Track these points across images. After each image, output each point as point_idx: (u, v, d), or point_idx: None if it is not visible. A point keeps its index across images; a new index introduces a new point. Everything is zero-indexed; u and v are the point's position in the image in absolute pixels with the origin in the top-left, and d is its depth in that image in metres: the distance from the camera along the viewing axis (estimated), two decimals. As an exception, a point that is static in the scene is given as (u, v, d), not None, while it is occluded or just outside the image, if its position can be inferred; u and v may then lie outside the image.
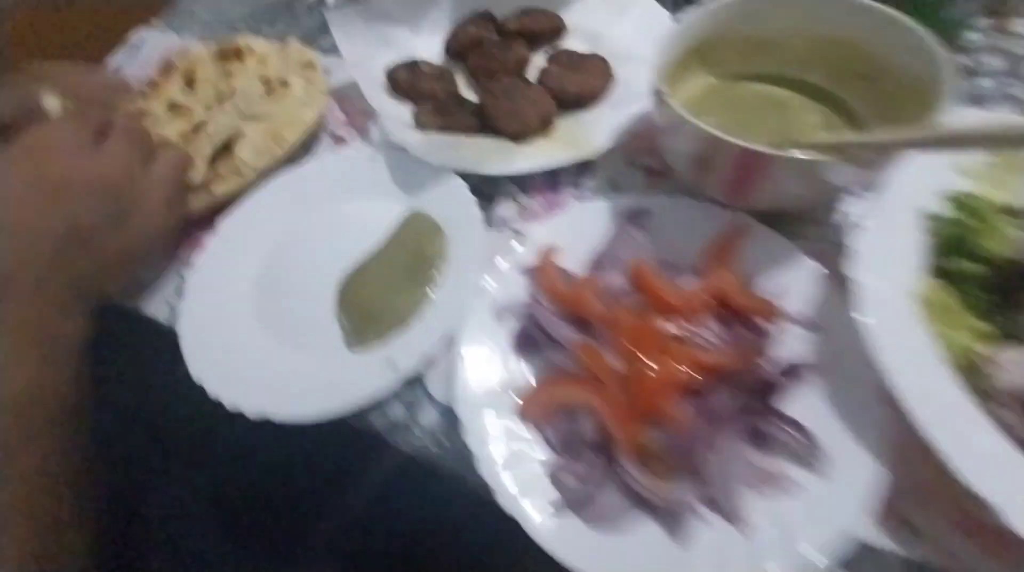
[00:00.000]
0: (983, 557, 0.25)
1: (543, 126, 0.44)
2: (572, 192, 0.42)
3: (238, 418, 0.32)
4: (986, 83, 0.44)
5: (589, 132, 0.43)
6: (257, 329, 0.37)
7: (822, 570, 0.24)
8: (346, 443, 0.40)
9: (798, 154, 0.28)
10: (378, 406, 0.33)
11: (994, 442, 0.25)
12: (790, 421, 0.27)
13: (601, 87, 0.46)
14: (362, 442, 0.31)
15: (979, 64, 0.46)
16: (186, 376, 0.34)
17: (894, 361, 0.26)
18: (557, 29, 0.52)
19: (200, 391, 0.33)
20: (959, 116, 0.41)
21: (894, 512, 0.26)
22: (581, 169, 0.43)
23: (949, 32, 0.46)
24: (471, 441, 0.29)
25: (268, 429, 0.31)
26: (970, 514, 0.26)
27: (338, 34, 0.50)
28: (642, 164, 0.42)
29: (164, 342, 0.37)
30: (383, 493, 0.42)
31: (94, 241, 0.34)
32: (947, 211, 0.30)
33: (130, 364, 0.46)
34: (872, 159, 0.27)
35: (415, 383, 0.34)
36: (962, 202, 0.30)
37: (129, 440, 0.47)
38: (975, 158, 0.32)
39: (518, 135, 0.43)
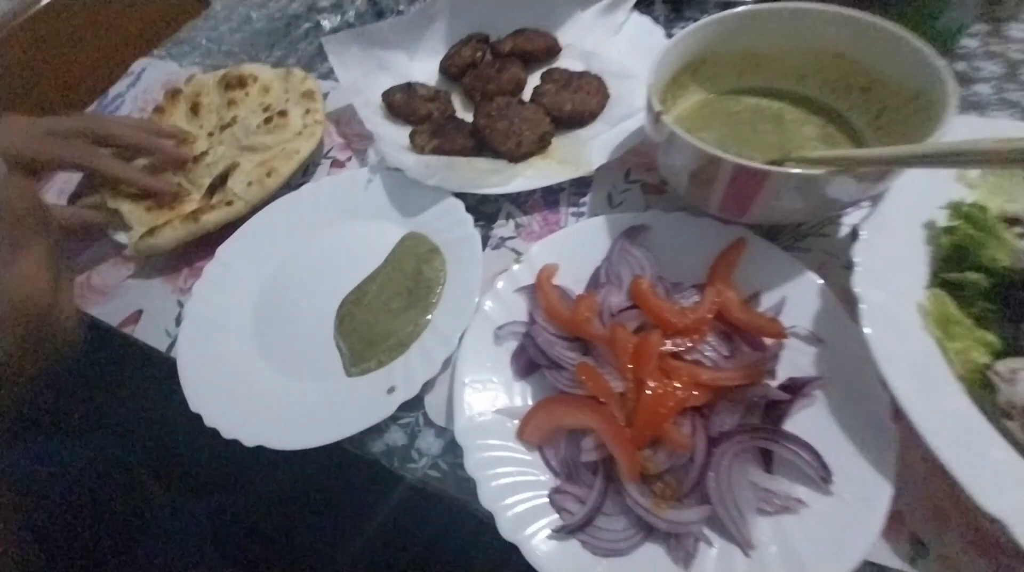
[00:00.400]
0: (1000, 578, 0.25)
1: (540, 145, 0.44)
2: (570, 210, 0.42)
3: (236, 447, 0.32)
4: (984, 89, 0.44)
5: (585, 150, 0.43)
6: (255, 356, 0.38)
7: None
8: (346, 471, 0.39)
9: (795, 170, 0.28)
10: (377, 431, 0.33)
11: (1005, 457, 0.24)
12: (795, 440, 0.26)
13: (597, 105, 0.46)
14: (361, 471, 0.31)
15: (976, 70, 0.45)
16: (185, 405, 0.34)
17: (900, 375, 0.25)
18: (552, 49, 0.53)
19: (198, 420, 0.33)
20: (957, 123, 0.42)
21: (904, 530, 0.26)
22: (578, 187, 0.43)
23: (946, 39, 0.46)
24: (470, 467, 0.28)
25: (267, 458, 0.31)
26: (985, 533, 0.25)
27: (334, 60, 0.51)
28: (639, 180, 0.42)
29: (163, 371, 0.37)
30: (383, 520, 0.41)
31: None
32: (949, 221, 0.30)
33: (129, 393, 0.46)
34: (870, 173, 0.27)
35: (414, 407, 0.34)
36: (964, 212, 0.29)
37: (128, 471, 0.47)
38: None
39: (514, 155, 0.43)
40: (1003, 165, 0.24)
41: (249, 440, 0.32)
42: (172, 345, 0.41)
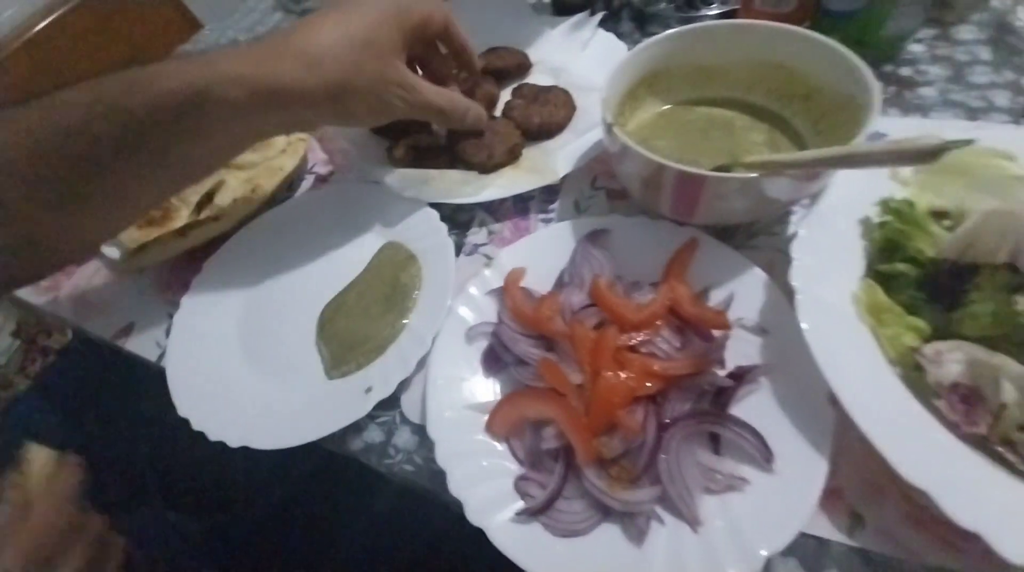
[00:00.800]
0: (933, 548, 0.26)
1: (510, 157, 0.47)
2: (539, 216, 0.45)
3: (226, 460, 0.33)
4: (929, 92, 0.47)
5: (553, 159, 0.45)
6: (241, 362, 0.40)
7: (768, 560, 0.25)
8: (332, 481, 0.41)
9: (728, 174, 0.30)
10: (355, 430, 0.35)
11: (932, 434, 0.26)
12: (740, 423, 0.28)
13: (564, 117, 0.49)
14: (344, 482, 0.31)
15: (922, 74, 0.48)
16: (175, 418, 0.36)
17: (833, 361, 0.27)
18: (523, 65, 0.55)
19: (188, 433, 0.35)
20: (902, 124, 0.44)
21: (843, 505, 0.28)
22: (547, 194, 0.46)
23: (892, 46, 0.49)
24: (441, 458, 0.30)
25: (256, 471, 0.32)
26: (919, 507, 0.27)
27: (317, 81, 0.54)
28: (604, 187, 0.45)
29: (154, 383, 0.39)
30: (369, 525, 0.43)
31: None
32: (880, 217, 0.32)
33: (121, 406, 0.48)
34: (800, 174, 0.30)
35: (391, 406, 0.36)
36: (893, 208, 0.32)
37: (120, 486, 0.48)
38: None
39: (486, 167, 0.46)
40: (894, 163, 0.26)
41: (234, 441, 0.34)
42: (162, 356, 0.43)
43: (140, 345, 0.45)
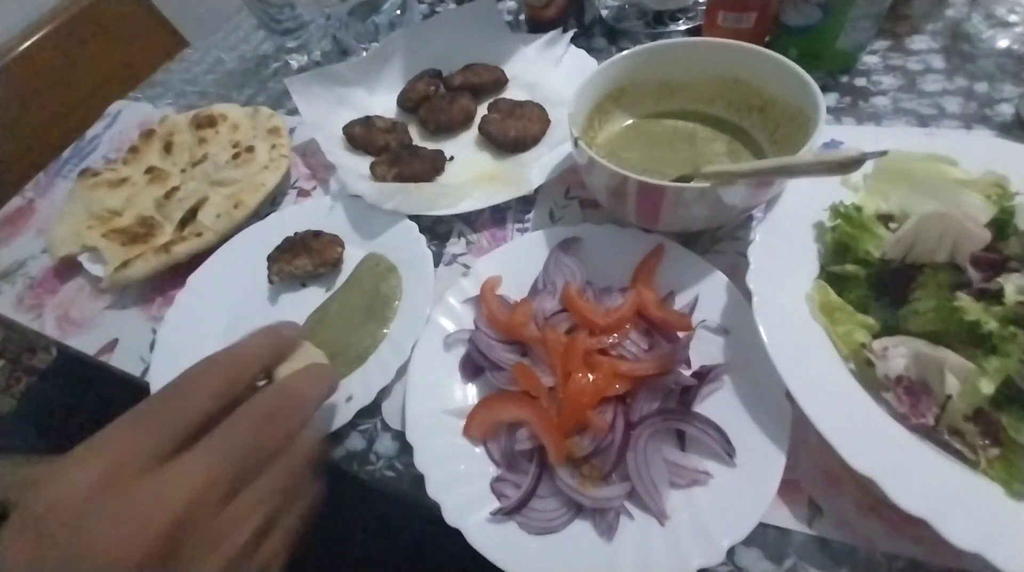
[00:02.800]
0: (888, 535, 0.28)
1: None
2: (515, 226, 0.46)
3: None
4: (882, 102, 0.49)
5: (528, 171, 0.47)
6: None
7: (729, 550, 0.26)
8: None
9: (686, 184, 0.32)
10: (338, 438, 0.36)
11: (881, 425, 0.28)
12: (703, 420, 0.30)
13: (538, 130, 0.51)
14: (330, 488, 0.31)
15: (876, 84, 0.51)
16: None
17: (787, 359, 0.29)
18: (499, 81, 0.57)
19: None
20: (856, 133, 0.46)
21: (801, 496, 0.29)
22: (523, 205, 0.47)
23: (847, 58, 0.51)
24: (419, 462, 0.31)
25: None
26: (873, 496, 0.29)
27: (298, 98, 0.55)
28: (577, 197, 0.47)
29: (139, 399, 0.39)
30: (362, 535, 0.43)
31: None
32: (831, 221, 0.34)
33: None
34: (751, 182, 0.31)
35: (372, 414, 0.37)
36: (842, 212, 0.34)
37: None
38: (859, 172, 0.36)
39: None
40: (824, 173, 0.28)
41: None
42: (146, 371, 0.43)
43: (124, 360, 0.45)
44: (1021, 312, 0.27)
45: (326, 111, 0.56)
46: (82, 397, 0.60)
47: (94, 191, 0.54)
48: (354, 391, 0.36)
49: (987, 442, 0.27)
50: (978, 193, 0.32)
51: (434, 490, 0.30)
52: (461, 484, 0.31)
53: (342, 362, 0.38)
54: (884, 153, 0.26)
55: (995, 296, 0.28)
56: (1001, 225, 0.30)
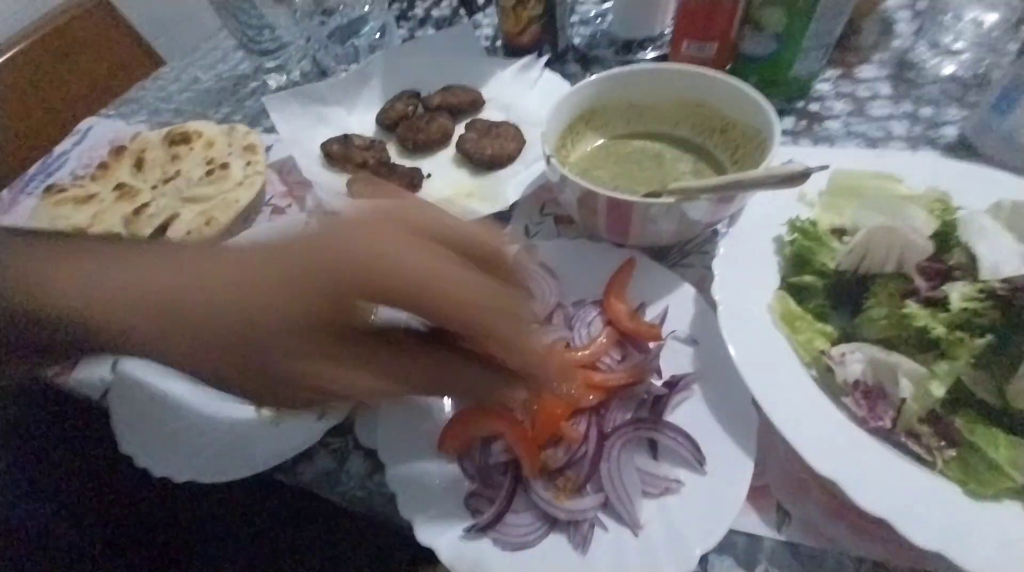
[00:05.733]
0: (852, 537, 0.28)
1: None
2: (491, 241, 0.47)
3: (180, 505, 0.32)
4: (834, 125, 0.52)
5: (504, 188, 0.48)
6: (186, 395, 0.39)
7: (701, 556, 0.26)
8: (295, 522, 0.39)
9: (654, 200, 0.33)
10: (307, 459, 0.35)
11: (842, 429, 0.29)
12: (674, 428, 0.30)
13: (514, 149, 0.52)
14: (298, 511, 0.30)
15: (828, 109, 0.54)
16: (122, 462, 0.35)
17: (752, 367, 0.30)
18: (476, 102, 0.59)
19: (135, 478, 0.34)
20: (812, 153, 0.49)
21: (770, 502, 0.30)
22: (499, 221, 0.48)
23: (801, 85, 0.55)
24: (391, 480, 0.31)
25: (212, 518, 0.31)
26: (838, 499, 0.29)
27: (275, 116, 0.56)
28: (551, 213, 0.48)
29: (98, 425, 0.37)
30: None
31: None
32: (789, 235, 0.36)
33: (67, 450, 0.45)
34: (713, 198, 0.33)
35: (344, 432, 0.36)
36: (798, 227, 0.35)
37: (71, 532, 0.45)
38: (814, 189, 0.38)
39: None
40: (775, 186, 0.30)
41: (179, 476, 0.33)
42: (106, 393, 0.42)
43: (83, 383, 0.43)
44: (966, 318, 0.29)
45: (304, 129, 0.57)
46: (39, 421, 0.57)
47: (59, 207, 0.53)
48: (324, 409, 0.35)
49: (943, 444, 0.28)
50: (922, 208, 0.34)
51: (406, 509, 0.29)
52: (435, 501, 0.30)
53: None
54: (825, 167, 0.28)
55: (942, 303, 0.30)
56: (944, 237, 0.33)
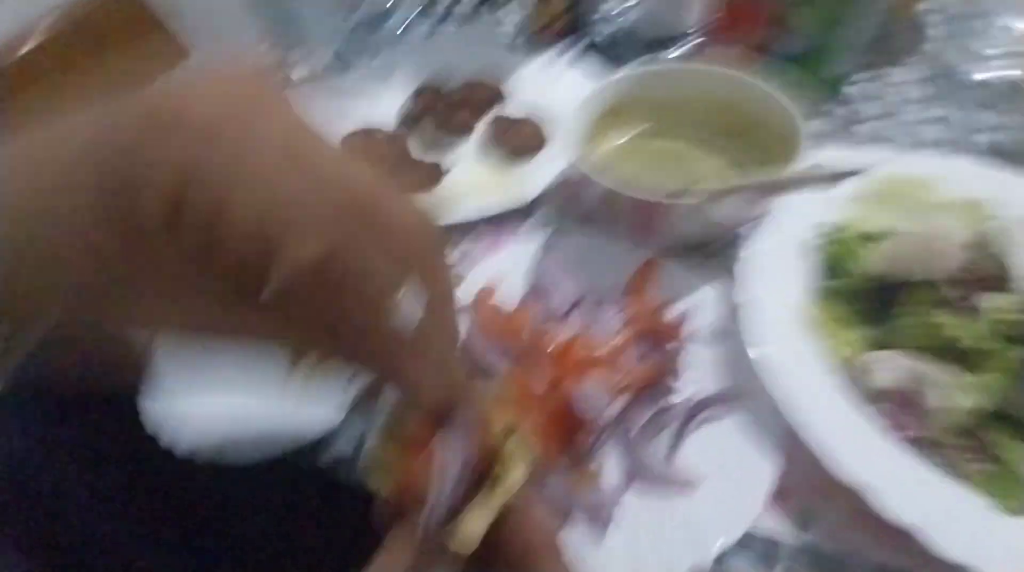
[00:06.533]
0: (874, 544, 0.28)
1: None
2: (510, 238, 0.47)
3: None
4: (864, 128, 0.51)
5: (524, 184, 0.48)
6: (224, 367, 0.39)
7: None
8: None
9: (679, 200, 0.33)
10: (323, 444, 0.35)
11: (869, 437, 0.28)
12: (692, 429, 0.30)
13: (535, 145, 0.52)
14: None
15: (857, 113, 0.53)
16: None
17: (774, 371, 0.30)
18: (497, 97, 0.59)
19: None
20: (841, 158, 0.48)
21: (793, 504, 0.29)
22: (519, 217, 0.48)
23: (831, 87, 0.54)
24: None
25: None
26: (863, 506, 0.29)
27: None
28: (572, 210, 0.47)
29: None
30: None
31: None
32: (819, 239, 0.35)
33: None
34: (738, 200, 0.33)
35: (361, 417, 0.36)
36: (830, 232, 0.35)
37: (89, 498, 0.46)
38: (843, 193, 0.38)
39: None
40: (801, 189, 0.30)
41: (203, 455, 0.34)
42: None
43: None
44: (998, 329, 0.28)
45: (326, 123, 0.57)
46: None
47: None
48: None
49: (972, 457, 0.28)
50: (955, 216, 0.33)
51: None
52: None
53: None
54: (856, 173, 0.28)
55: (972, 313, 0.29)
56: (977, 246, 0.32)
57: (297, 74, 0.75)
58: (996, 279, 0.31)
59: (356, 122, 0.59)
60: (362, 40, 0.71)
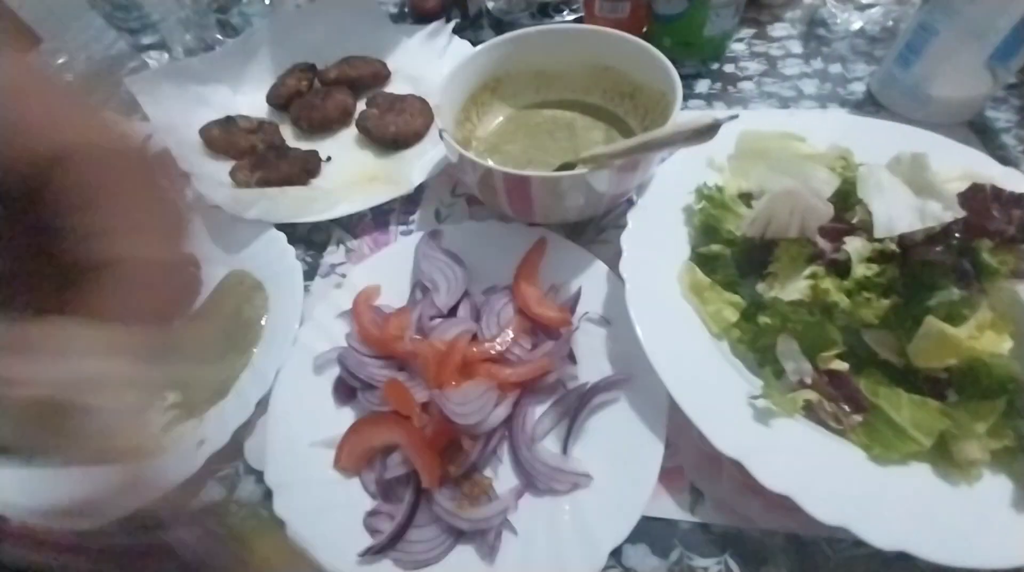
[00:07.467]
0: (764, 512, 0.28)
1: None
2: (399, 229, 0.43)
3: None
4: (748, 86, 0.51)
5: (410, 169, 0.44)
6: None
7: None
8: None
9: (547, 173, 0.30)
10: (192, 490, 0.31)
11: (748, 404, 0.28)
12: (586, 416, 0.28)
13: (421, 125, 0.48)
14: None
15: (743, 70, 0.53)
16: None
17: (656, 343, 0.28)
18: (380, 74, 0.54)
19: None
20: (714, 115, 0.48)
21: (684, 482, 0.28)
22: (408, 205, 0.44)
23: (716, 46, 0.53)
24: (278, 508, 0.27)
25: None
26: (748, 474, 0.29)
27: (143, 99, 0.48)
28: (463, 194, 0.44)
29: None
30: None
31: None
32: (696, 203, 0.34)
33: None
34: (618, 166, 0.31)
35: (234, 456, 0.32)
36: (705, 194, 0.34)
37: None
38: (722, 153, 0.37)
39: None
40: (683, 143, 0.28)
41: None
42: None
43: None
44: (868, 280, 0.28)
45: (181, 113, 0.50)
46: None
47: None
48: (206, 433, 0.31)
49: (848, 409, 0.28)
50: (825, 166, 0.33)
51: (298, 535, 0.26)
52: (331, 524, 0.27)
53: (197, 401, 0.33)
54: (735, 117, 0.26)
55: (844, 266, 0.29)
56: (845, 195, 0.32)
57: (154, 60, 0.66)
58: (864, 226, 0.31)
59: (218, 110, 0.51)
60: (224, 15, 0.63)
